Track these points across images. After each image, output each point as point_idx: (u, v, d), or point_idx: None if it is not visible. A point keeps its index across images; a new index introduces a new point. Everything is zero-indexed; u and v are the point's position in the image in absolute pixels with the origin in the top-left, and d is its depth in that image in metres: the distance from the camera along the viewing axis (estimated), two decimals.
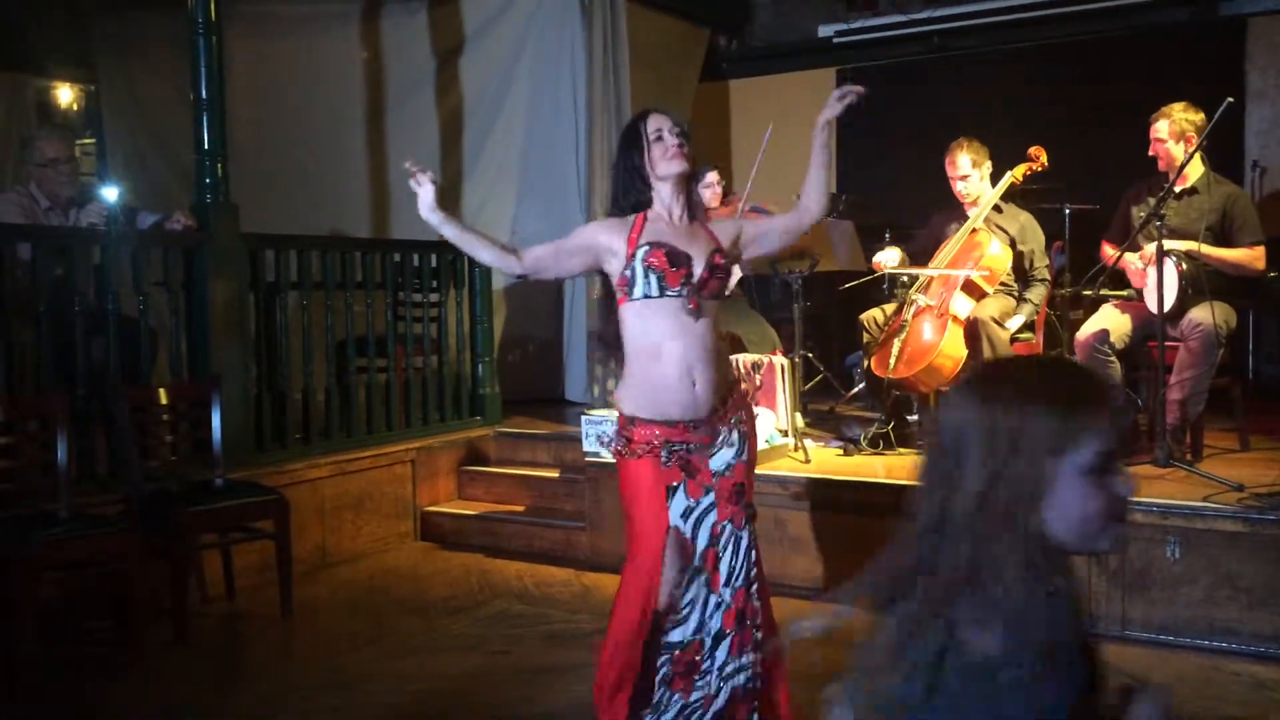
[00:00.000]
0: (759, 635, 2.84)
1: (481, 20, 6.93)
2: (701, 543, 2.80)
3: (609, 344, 2.92)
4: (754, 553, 2.85)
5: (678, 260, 2.76)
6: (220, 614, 4.44)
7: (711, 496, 2.80)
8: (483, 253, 2.91)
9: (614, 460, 2.90)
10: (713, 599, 2.81)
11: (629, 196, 2.87)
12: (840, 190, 7.43)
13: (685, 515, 2.79)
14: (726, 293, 2.92)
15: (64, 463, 3.90)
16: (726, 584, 2.81)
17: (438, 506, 5.64)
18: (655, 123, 2.83)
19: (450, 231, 2.88)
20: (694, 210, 2.93)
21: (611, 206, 2.94)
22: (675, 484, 2.78)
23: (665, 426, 2.77)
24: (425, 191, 2.83)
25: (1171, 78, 6.48)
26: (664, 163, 2.82)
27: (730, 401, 2.87)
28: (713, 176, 5.71)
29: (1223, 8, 6.95)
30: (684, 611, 2.81)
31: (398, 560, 5.21)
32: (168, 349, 4.82)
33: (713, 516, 2.80)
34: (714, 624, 2.82)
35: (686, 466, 2.79)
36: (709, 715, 2.81)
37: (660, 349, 2.76)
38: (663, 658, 2.82)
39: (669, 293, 2.76)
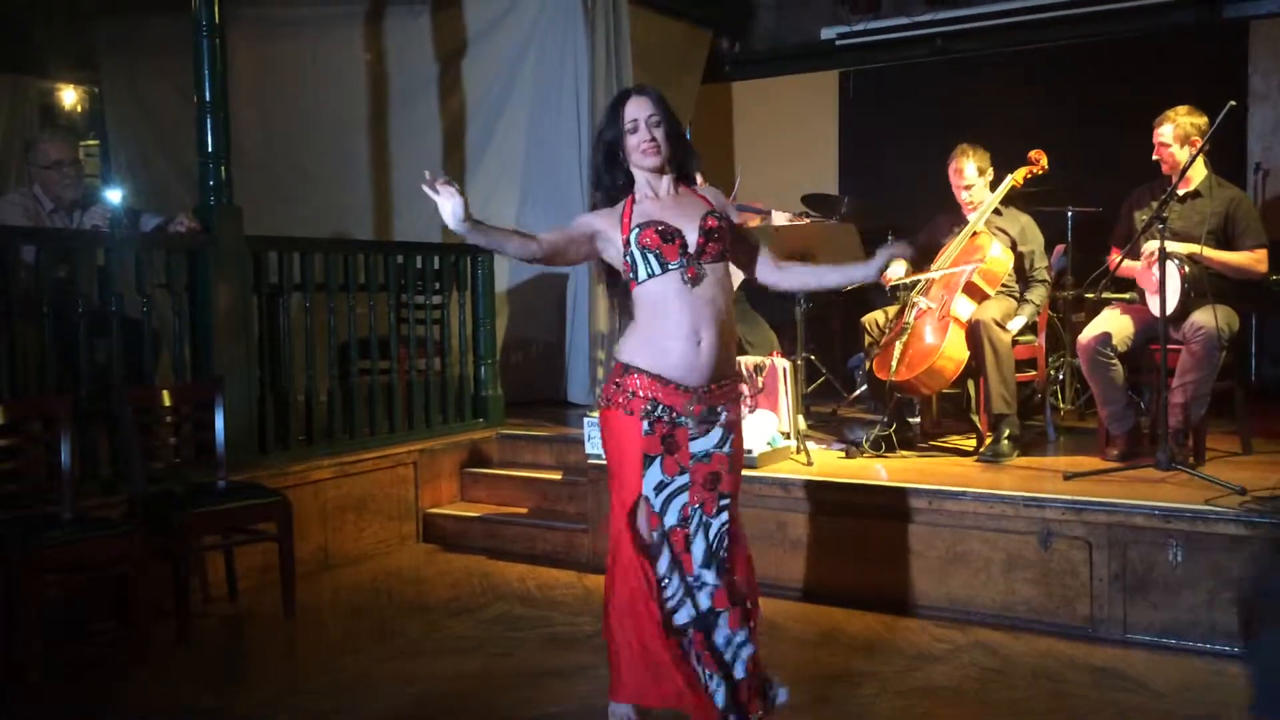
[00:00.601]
0: (748, 605, 2.89)
1: (485, 22, 6.94)
2: (670, 521, 2.84)
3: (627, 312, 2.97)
4: (726, 539, 2.87)
5: (669, 235, 2.81)
6: (223, 615, 4.45)
7: (686, 478, 2.84)
8: (509, 246, 2.90)
9: (600, 411, 2.93)
10: (689, 579, 2.84)
11: (607, 177, 2.93)
12: (841, 192, 7.44)
13: (658, 489, 2.83)
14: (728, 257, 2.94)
15: (67, 464, 3.91)
16: (704, 566, 2.84)
17: (440, 508, 5.65)
18: (632, 111, 2.87)
19: (479, 238, 2.80)
20: (685, 180, 2.96)
21: (593, 185, 2.99)
22: (653, 455, 2.81)
23: (659, 383, 2.80)
24: (453, 204, 2.66)
25: (1174, 80, 6.50)
26: (636, 154, 2.87)
27: (727, 384, 2.89)
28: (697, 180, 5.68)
29: (1225, 10, 6.95)
30: (672, 591, 2.85)
31: (400, 562, 5.22)
32: (171, 351, 4.83)
33: (684, 498, 2.84)
34: (704, 603, 2.85)
35: (668, 441, 2.81)
36: (732, 688, 2.84)
37: (668, 315, 2.81)
38: (685, 641, 2.85)
39: (670, 266, 2.81)
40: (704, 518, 2.84)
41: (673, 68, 7.52)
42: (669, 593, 2.85)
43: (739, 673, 2.85)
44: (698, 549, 2.84)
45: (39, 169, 4.84)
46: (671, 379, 2.80)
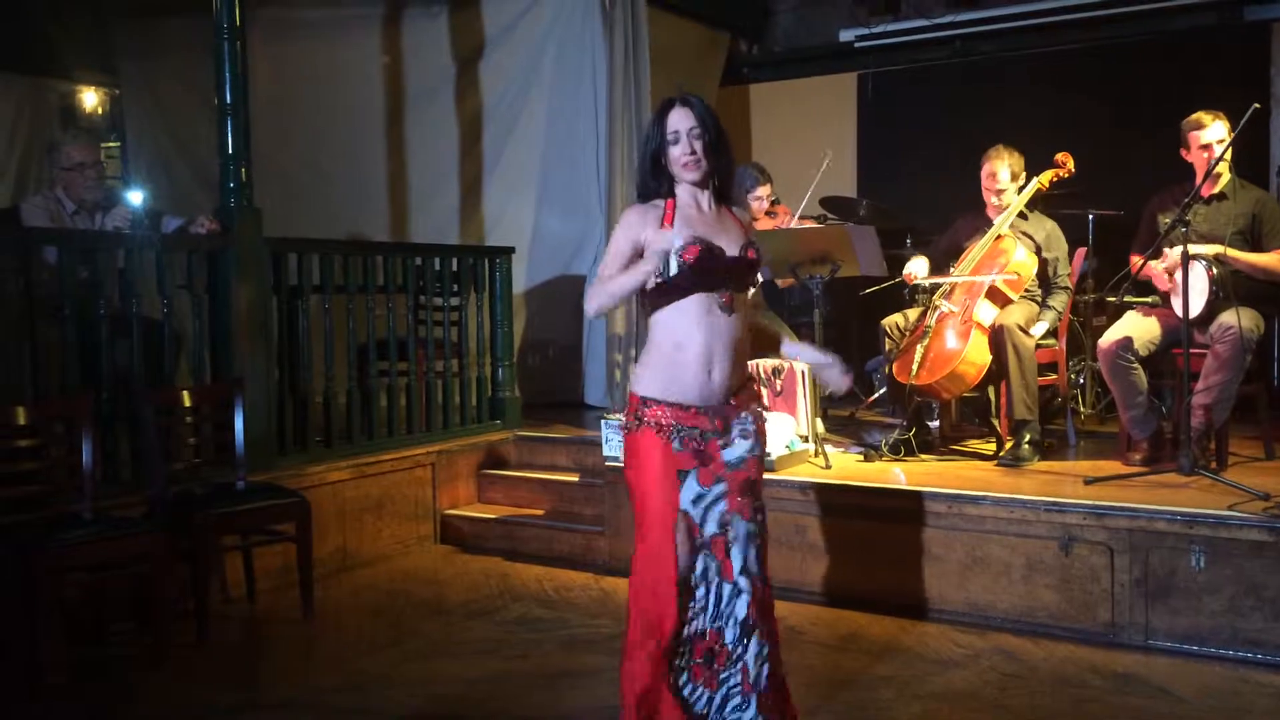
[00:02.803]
0: (770, 624, 2.85)
1: (502, 24, 6.95)
2: (710, 530, 2.81)
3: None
4: (758, 542, 2.84)
5: (713, 257, 2.76)
6: (241, 616, 4.46)
7: (723, 486, 2.81)
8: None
9: (623, 437, 2.91)
10: (727, 587, 2.82)
11: (653, 183, 2.85)
12: (860, 195, 7.42)
13: (696, 501, 2.81)
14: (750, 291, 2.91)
15: (88, 464, 3.93)
16: (742, 573, 2.81)
17: (457, 510, 5.65)
18: (674, 123, 2.78)
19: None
20: (725, 198, 2.88)
21: (639, 192, 2.91)
22: (687, 469, 2.79)
23: (678, 410, 2.78)
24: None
25: (1195, 83, 6.45)
26: (677, 167, 2.80)
27: (743, 394, 2.86)
28: (764, 191, 5.64)
29: (1248, 12, 6.90)
30: (699, 600, 2.82)
31: (417, 563, 5.23)
32: (191, 352, 4.85)
33: (723, 505, 2.81)
34: (739, 612, 2.82)
35: (700, 454, 2.80)
36: (752, 704, 2.81)
37: (686, 340, 2.77)
38: (682, 650, 2.82)
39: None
40: (742, 523, 2.82)
41: (691, 70, 7.51)
42: (696, 597, 2.83)
43: (764, 686, 2.82)
44: (737, 555, 2.82)
45: (61, 171, 4.87)
46: (691, 404, 2.78)
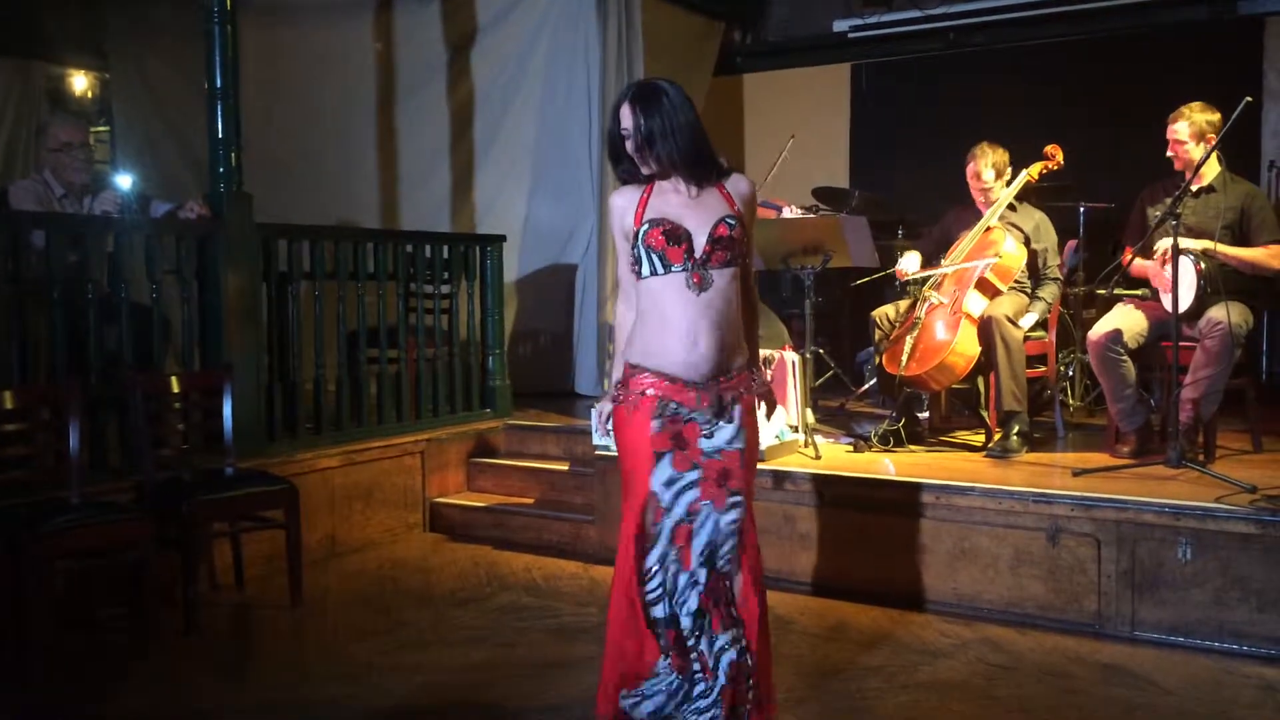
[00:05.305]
0: (734, 612, 2.84)
1: (495, 11, 6.93)
2: (676, 515, 2.81)
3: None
4: (736, 538, 2.83)
5: (677, 237, 2.75)
6: (230, 603, 4.45)
7: (697, 474, 2.81)
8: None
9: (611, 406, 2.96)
10: (684, 576, 2.83)
11: (624, 166, 2.86)
12: (852, 185, 7.42)
13: (668, 485, 2.81)
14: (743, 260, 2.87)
15: (76, 450, 3.91)
16: (701, 564, 2.82)
17: (447, 498, 5.65)
18: (622, 120, 2.79)
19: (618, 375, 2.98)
20: (710, 174, 2.82)
21: (618, 175, 2.92)
22: (663, 451, 2.80)
23: (666, 380, 2.79)
24: (602, 410, 3.00)
25: (1188, 77, 6.47)
26: (636, 159, 2.80)
27: (736, 377, 2.85)
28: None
29: (1241, 6, 6.91)
30: (655, 585, 2.83)
31: (406, 551, 5.22)
32: (180, 337, 4.83)
33: (694, 493, 2.81)
34: (691, 603, 2.83)
35: (678, 438, 2.80)
36: (714, 692, 2.82)
37: (667, 317, 2.78)
38: (658, 632, 2.84)
39: (674, 269, 2.76)
40: (713, 513, 2.82)
41: (684, 59, 7.50)
42: (650, 585, 2.84)
43: (721, 679, 2.83)
44: (699, 543, 2.82)
45: (49, 151, 4.84)
46: (677, 376, 2.79)
